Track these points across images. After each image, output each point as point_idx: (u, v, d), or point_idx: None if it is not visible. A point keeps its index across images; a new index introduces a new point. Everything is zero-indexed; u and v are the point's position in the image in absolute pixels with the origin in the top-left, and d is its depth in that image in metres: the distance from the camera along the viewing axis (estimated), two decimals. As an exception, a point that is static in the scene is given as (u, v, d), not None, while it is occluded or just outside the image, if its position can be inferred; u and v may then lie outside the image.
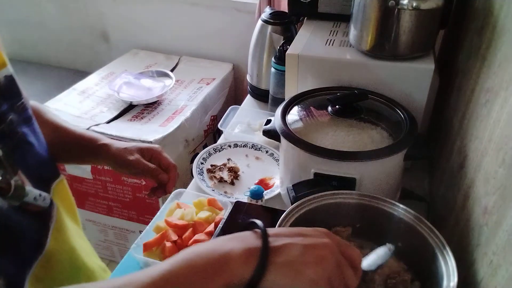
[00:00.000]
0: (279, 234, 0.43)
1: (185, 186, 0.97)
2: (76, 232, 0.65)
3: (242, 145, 1.11)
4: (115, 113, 1.46)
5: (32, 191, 0.50)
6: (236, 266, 0.40)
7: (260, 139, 1.10)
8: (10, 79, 0.56)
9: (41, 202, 0.52)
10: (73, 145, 0.71)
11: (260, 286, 0.40)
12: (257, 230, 0.44)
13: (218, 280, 0.39)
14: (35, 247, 0.53)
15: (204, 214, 0.81)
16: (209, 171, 1.03)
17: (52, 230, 0.55)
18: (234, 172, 1.02)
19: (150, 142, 1.31)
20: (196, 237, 0.76)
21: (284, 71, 0.96)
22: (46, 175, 0.58)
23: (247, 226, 0.45)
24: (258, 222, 0.44)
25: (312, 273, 0.41)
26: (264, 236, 0.42)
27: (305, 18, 1.10)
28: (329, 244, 0.43)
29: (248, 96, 1.41)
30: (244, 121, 1.22)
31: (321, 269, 0.41)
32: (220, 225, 0.77)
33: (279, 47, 1.14)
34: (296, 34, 1.01)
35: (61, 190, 0.61)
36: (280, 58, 1.11)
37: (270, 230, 0.43)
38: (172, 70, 1.70)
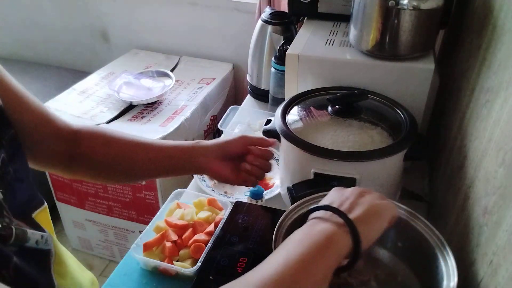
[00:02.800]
0: (333, 203, 0.49)
1: (185, 186, 0.97)
2: (68, 257, 0.62)
3: (242, 145, 1.11)
4: (115, 113, 1.46)
5: (34, 235, 0.48)
6: (337, 237, 0.45)
7: (260, 139, 1.09)
8: None
9: (43, 245, 0.49)
10: (163, 158, 0.70)
11: (362, 244, 0.45)
12: (317, 212, 0.49)
13: (333, 253, 0.44)
14: None
15: (204, 214, 0.81)
16: (209, 171, 1.03)
17: (53, 266, 0.52)
18: (234, 172, 1.02)
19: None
20: (196, 237, 0.76)
21: (284, 71, 0.96)
22: (31, 208, 0.54)
23: (305, 217, 0.50)
24: (314, 206, 0.50)
25: (383, 206, 0.50)
26: (332, 208, 0.48)
27: (305, 18, 1.10)
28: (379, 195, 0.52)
29: (248, 96, 1.41)
30: (244, 121, 1.22)
31: (387, 203, 0.51)
32: (220, 225, 0.77)
33: (279, 47, 1.14)
34: (296, 34, 1.01)
35: (44, 218, 0.57)
36: (280, 58, 1.11)
37: (325, 203, 0.50)
38: (172, 70, 1.70)
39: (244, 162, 0.73)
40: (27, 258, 0.46)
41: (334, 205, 0.48)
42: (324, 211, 0.48)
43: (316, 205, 0.50)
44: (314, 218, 0.49)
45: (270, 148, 0.76)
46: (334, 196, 0.51)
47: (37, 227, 0.52)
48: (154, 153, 0.69)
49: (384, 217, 0.50)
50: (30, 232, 0.47)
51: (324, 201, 0.51)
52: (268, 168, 0.75)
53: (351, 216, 0.47)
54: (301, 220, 0.50)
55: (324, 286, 0.44)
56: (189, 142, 0.71)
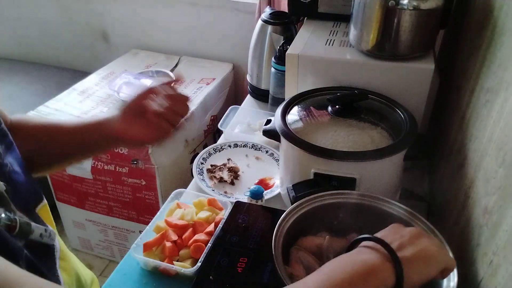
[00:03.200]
0: (385, 238, 0.48)
1: (185, 186, 0.97)
2: (70, 254, 0.62)
3: (242, 145, 1.11)
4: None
5: (38, 228, 0.47)
6: (379, 271, 0.44)
7: (260, 139, 1.10)
8: None
9: (46, 239, 0.49)
10: (74, 138, 0.67)
11: (405, 282, 0.44)
12: (366, 241, 0.48)
13: (372, 285, 0.44)
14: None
15: (204, 214, 0.81)
16: (209, 171, 1.03)
17: (58, 261, 0.52)
18: (234, 172, 1.02)
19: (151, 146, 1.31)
20: (196, 237, 0.76)
21: (284, 71, 0.96)
22: (33, 202, 0.54)
23: (356, 242, 0.50)
24: (364, 236, 0.49)
25: (437, 253, 0.48)
26: (381, 241, 0.47)
27: (305, 18, 1.10)
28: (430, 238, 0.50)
29: (248, 96, 1.41)
30: (244, 121, 1.22)
31: (440, 252, 0.48)
32: (220, 225, 0.77)
33: (279, 47, 1.14)
34: (296, 34, 1.01)
35: (45, 213, 0.56)
36: (280, 58, 1.11)
37: (378, 235, 0.49)
38: (172, 70, 1.70)
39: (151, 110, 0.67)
40: (34, 252, 0.46)
41: (386, 240, 0.47)
42: (373, 242, 0.48)
43: (367, 235, 0.49)
44: (362, 246, 0.48)
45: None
46: (389, 231, 0.50)
47: (40, 221, 0.52)
48: (68, 132, 0.67)
49: (434, 265, 0.47)
50: (34, 225, 0.47)
51: (378, 234, 0.50)
52: (181, 109, 0.69)
53: (400, 254, 0.45)
54: (349, 247, 0.50)
55: None
56: (96, 120, 0.67)
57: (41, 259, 0.48)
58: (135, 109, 0.67)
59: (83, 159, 0.72)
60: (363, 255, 0.46)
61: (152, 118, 0.67)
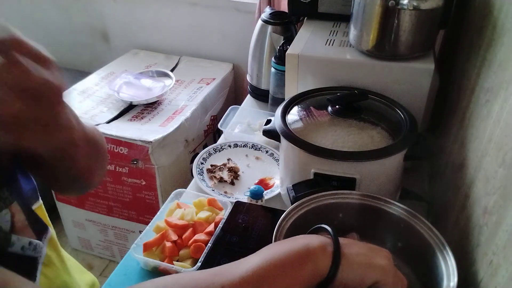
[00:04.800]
0: (343, 239, 0.47)
1: (185, 186, 0.97)
2: (67, 258, 0.60)
3: (242, 145, 1.11)
4: (115, 113, 1.46)
5: (20, 240, 0.44)
6: (316, 257, 0.44)
7: (260, 139, 1.10)
8: None
9: (30, 252, 0.45)
10: None
11: (337, 278, 0.44)
12: (322, 232, 0.49)
13: (304, 269, 0.43)
14: None
15: (204, 214, 0.81)
16: (209, 171, 1.03)
17: (41, 267, 0.49)
18: (234, 172, 1.02)
19: (150, 142, 1.31)
20: (196, 237, 0.76)
21: (284, 71, 0.96)
22: (29, 199, 0.51)
23: (312, 232, 0.50)
24: (323, 225, 0.50)
25: (382, 261, 0.46)
26: (333, 232, 0.47)
27: (305, 18, 1.10)
28: (386, 252, 0.49)
29: (248, 96, 1.41)
30: (244, 121, 1.22)
31: (388, 262, 0.47)
32: (220, 225, 0.77)
33: (279, 47, 1.14)
34: (296, 34, 1.01)
35: (41, 215, 0.53)
36: (280, 58, 1.11)
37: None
38: (172, 70, 1.70)
39: None
40: (9, 265, 0.41)
41: (341, 240, 0.47)
42: (324, 232, 0.48)
43: (318, 225, 0.50)
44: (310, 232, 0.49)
45: None
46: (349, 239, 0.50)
47: (38, 223, 0.50)
48: None
49: (371, 273, 0.46)
50: (14, 237, 0.44)
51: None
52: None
53: (345, 249, 0.45)
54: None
55: None
56: None
57: (18, 262, 0.45)
58: None
59: None
60: (307, 238, 0.47)
61: None
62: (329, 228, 0.48)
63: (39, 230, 0.51)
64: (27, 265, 0.47)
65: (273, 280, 0.42)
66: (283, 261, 0.43)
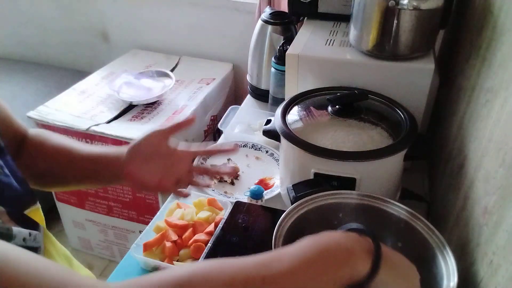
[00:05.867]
0: (382, 245, 0.47)
1: (185, 186, 0.97)
2: (66, 255, 0.61)
3: (242, 145, 1.11)
4: (115, 113, 1.46)
5: (20, 232, 0.45)
6: (358, 261, 0.44)
7: (260, 139, 1.10)
8: None
9: (31, 242, 0.47)
10: (84, 167, 0.66)
11: (372, 281, 0.44)
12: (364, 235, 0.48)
13: (343, 271, 0.43)
14: None
15: (204, 214, 0.81)
16: (209, 171, 1.03)
17: None
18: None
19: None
20: (196, 237, 0.76)
21: (284, 71, 0.96)
22: (21, 204, 0.52)
23: (350, 229, 0.50)
24: (365, 228, 0.49)
25: (417, 280, 0.48)
26: (376, 239, 0.46)
27: (305, 18, 1.10)
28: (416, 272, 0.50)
29: (248, 96, 1.41)
30: (244, 121, 1.22)
31: (417, 283, 0.49)
32: (220, 225, 0.77)
33: (279, 47, 1.14)
34: (296, 34, 1.01)
35: (37, 217, 0.54)
36: (280, 58, 1.11)
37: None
38: (172, 70, 1.70)
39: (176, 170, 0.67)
40: None
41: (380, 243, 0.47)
42: (367, 235, 0.47)
43: (364, 228, 0.49)
44: (354, 233, 0.48)
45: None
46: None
47: (28, 222, 0.51)
48: (76, 157, 0.65)
49: (402, 283, 0.48)
50: (16, 229, 0.45)
51: None
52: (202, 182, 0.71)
53: (384, 257, 0.45)
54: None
55: None
56: (115, 154, 0.65)
57: None
58: (147, 152, 0.65)
59: (91, 187, 0.71)
60: (350, 241, 0.46)
61: (169, 173, 0.66)
62: (370, 233, 0.47)
63: (29, 229, 0.51)
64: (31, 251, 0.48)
65: (311, 280, 0.42)
66: (325, 262, 0.43)
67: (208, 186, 0.71)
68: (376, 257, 0.45)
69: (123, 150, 0.65)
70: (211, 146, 0.69)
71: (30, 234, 0.47)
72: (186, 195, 0.70)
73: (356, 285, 0.44)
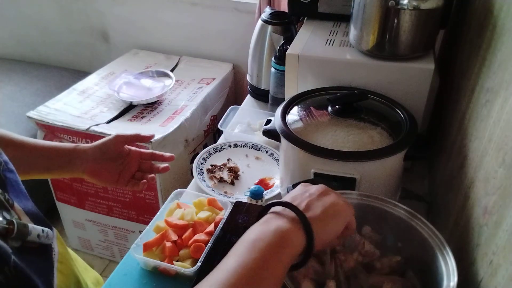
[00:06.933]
0: (294, 200, 0.50)
1: (185, 186, 0.97)
2: (74, 257, 0.62)
3: (242, 145, 1.11)
4: (115, 113, 1.46)
5: (35, 229, 0.46)
6: (290, 235, 0.45)
7: (260, 139, 1.10)
8: None
9: (44, 239, 0.48)
10: (37, 157, 0.70)
11: (315, 241, 0.46)
12: (275, 207, 0.49)
13: (285, 255, 0.44)
14: None
15: (204, 214, 0.81)
16: (209, 171, 1.03)
17: (56, 264, 0.51)
18: (234, 172, 1.02)
19: (150, 142, 1.31)
20: (196, 237, 0.76)
21: (284, 71, 0.96)
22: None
23: (263, 211, 0.50)
24: (273, 201, 0.50)
25: (339, 205, 0.50)
26: (289, 205, 0.48)
27: (305, 18, 1.10)
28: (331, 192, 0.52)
29: (248, 96, 1.41)
30: (244, 121, 1.22)
31: (341, 200, 0.51)
32: (220, 225, 0.77)
33: (279, 47, 1.14)
34: (296, 34, 1.01)
35: None
36: (280, 58, 1.11)
37: (287, 199, 0.51)
38: (172, 70, 1.70)
39: (126, 167, 0.76)
40: (30, 254, 0.45)
41: (295, 203, 0.49)
42: (282, 207, 0.49)
43: (274, 201, 0.50)
44: (271, 213, 0.49)
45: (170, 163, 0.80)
46: (296, 193, 0.52)
47: (40, 220, 0.51)
48: (30, 152, 0.69)
49: (340, 220, 0.50)
50: (31, 226, 0.46)
51: (286, 197, 0.52)
52: (152, 170, 0.78)
53: (308, 214, 0.47)
54: (259, 214, 0.50)
55: (279, 285, 0.44)
56: (70, 145, 0.73)
57: (35, 260, 0.47)
58: (111, 155, 0.75)
59: (43, 177, 0.74)
60: (272, 222, 0.47)
61: (126, 170, 0.75)
62: (288, 203, 0.48)
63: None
64: (46, 254, 0.49)
65: (258, 276, 0.42)
66: (263, 257, 0.44)
67: (151, 180, 0.77)
68: (302, 218, 0.46)
69: (84, 147, 0.73)
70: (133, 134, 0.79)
71: (43, 231, 0.48)
72: (141, 188, 0.77)
73: (302, 259, 0.46)
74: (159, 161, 0.80)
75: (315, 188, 0.52)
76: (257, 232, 0.47)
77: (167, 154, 0.80)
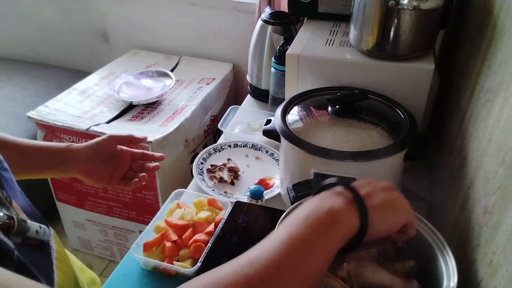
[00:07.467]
0: (357, 185, 0.48)
1: (185, 186, 0.97)
2: (70, 256, 0.62)
3: (242, 145, 1.11)
4: (115, 113, 1.46)
5: (33, 225, 0.47)
6: (344, 217, 0.44)
7: (260, 139, 1.10)
8: None
9: (42, 235, 0.49)
10: (30, 158, 0.70)
11: (369, 229, 0.45)
12: (337, 187, 0.48)
13: (335, 232, 0.43)
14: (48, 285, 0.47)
15: (204, 214, 0.81)
16: (209, 171, 1.03)
17: (55, 261, 0.51)
18: (234, 172, 1.02)
19: (150, 142, 1.31)
20: (196, 237, 0.76)
21: (284, 71, 0.96)
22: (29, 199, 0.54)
23: (322, 188, 0.50)
24: (333, 180, 0.49)
25: (403, 202, 0.49)
26: (348, 186, 0.47)
27: (305, 18, 1.10)
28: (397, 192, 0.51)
29: (248, 96, 1.41)
30: (244, 121, 1.22)
31: (406, 201, 0.50)
32: (220, 225, 0.77)
33: (279, 47, 1.14)
34: (296, 34, 1.01)
35: None
36: (280, 58, 1.11)
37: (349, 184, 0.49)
38: (172, 70, 1.70)
39: (118, 166, 0.76)
40: (29, 250, 0.46)
41: (356, 187, 0.47)
42: (342, 188, 0.47)
43: (335, 180, 0.49)
44: (329, 191, 0.48)
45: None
46: (361, 181, 0.51)
47: (37, 216, 0.52)
48: (22, 153, 0.69)
49: (399, 216, 0.49)
50: (29, 222, 0.46)
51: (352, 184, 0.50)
52: (145, 170, 0.78)
53: (367, 201, 0.46)
54: (318, 191, 0.49)
55: (326, 266, 0.43)
56: (62, 145, 0.73)
57: (35, 258, 0.47)
58: (104, 155, 0.75)
59: (36, 177, 0.74)
60: (328, 200, 0.46)
61: (117, 170, 0.76)
62: (348, 184, 0.47)
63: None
64: (45, 251, 0.50)
65: (308, 255, 0.42)
66: (313, 233, 0.43)
67: (143, 178, 0.77)
68: (359, 202, 0.45)
69: (78, 146, 0.73)
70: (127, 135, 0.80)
71: (40, 227, 0.49)
72: (133, 187, 0.77)
73: (355, 239, 0.44)
74: (150, 161, 0.80)
75: (382, 182, 0.51)
76: (310, 208, 0.46)
77: (158, 154, 0.80)
